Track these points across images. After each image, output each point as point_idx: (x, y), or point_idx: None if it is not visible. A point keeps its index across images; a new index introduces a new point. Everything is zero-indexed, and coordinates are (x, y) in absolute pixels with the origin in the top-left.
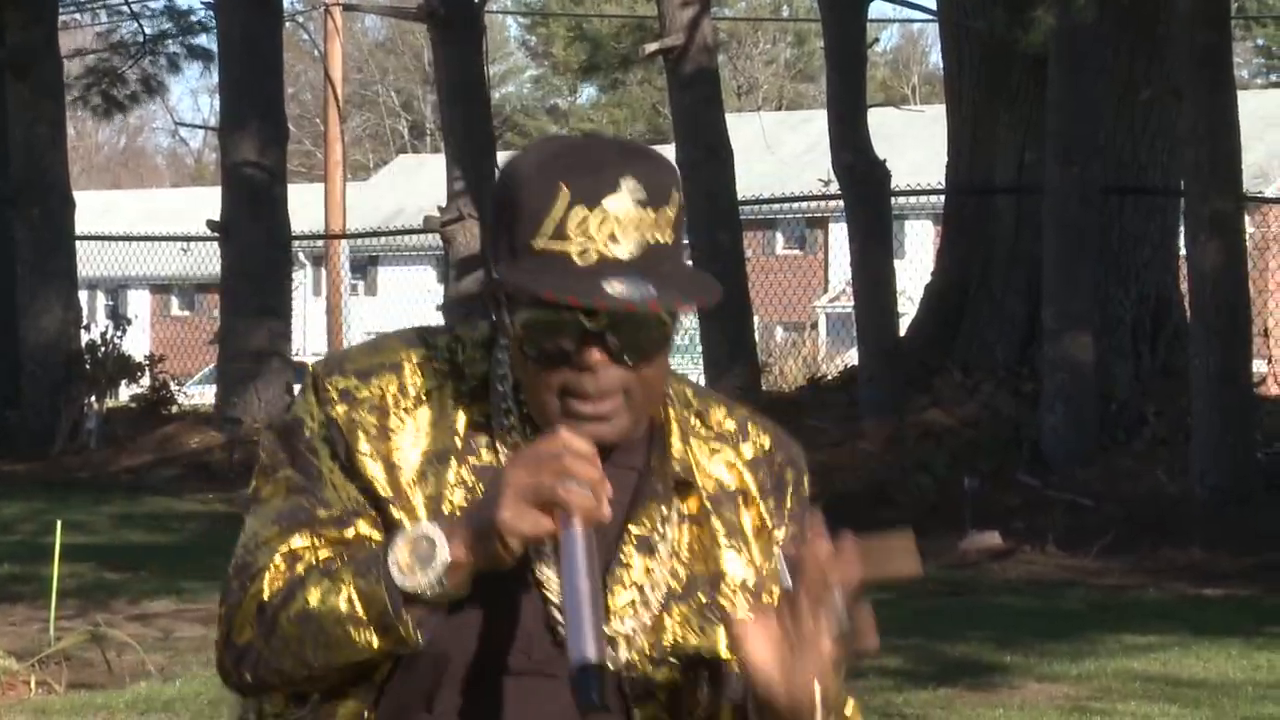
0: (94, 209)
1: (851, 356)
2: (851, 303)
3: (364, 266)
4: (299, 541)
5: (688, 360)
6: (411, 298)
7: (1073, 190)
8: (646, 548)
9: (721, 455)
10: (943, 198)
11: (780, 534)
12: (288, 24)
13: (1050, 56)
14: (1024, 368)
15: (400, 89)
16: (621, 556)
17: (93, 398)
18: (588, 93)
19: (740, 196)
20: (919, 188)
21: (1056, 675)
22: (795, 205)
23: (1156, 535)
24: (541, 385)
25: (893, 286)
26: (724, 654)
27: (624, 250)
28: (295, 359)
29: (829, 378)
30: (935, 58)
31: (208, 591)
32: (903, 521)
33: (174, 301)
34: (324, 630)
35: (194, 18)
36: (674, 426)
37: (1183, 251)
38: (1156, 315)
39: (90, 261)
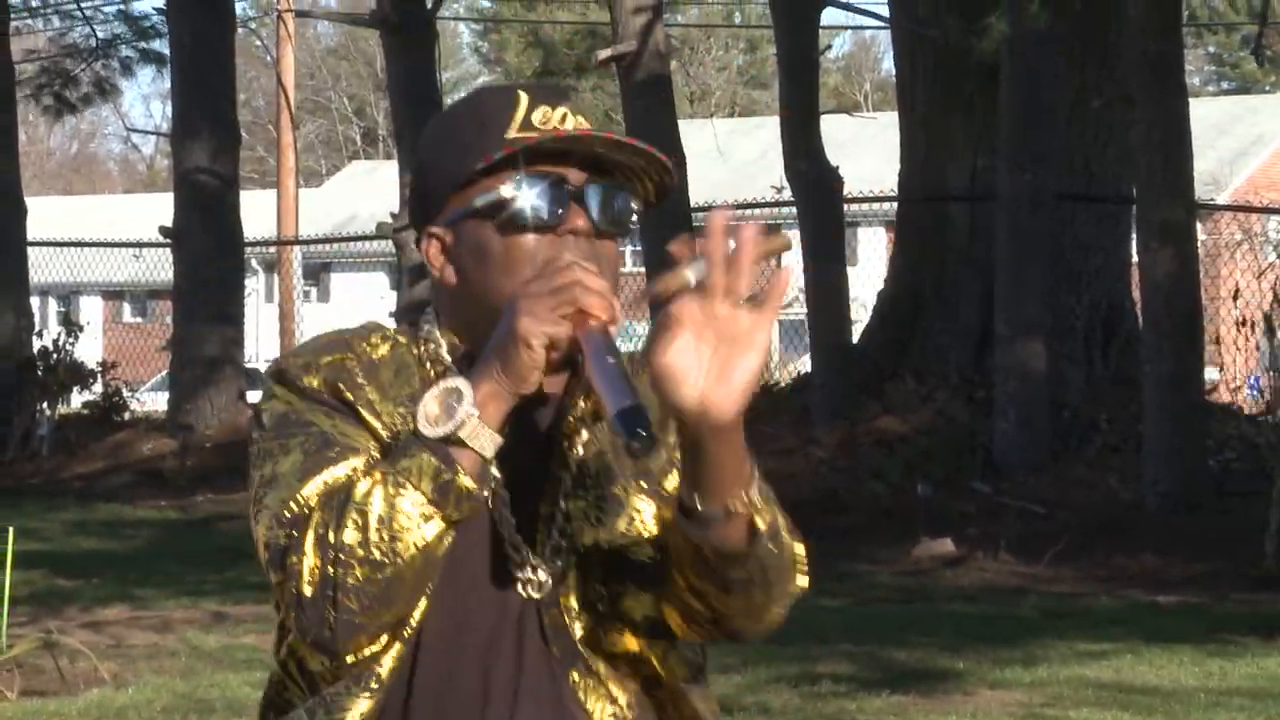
0: (46, 215)
1: (804, 364)
2: (804, 310)
3: (317, 273)
4: (336, 473)
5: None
6: (364, 304)
7: (1025, 197)
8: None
9: (640, 373)
10: (895, 205)
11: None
12: (240, 30)
13: (1003, 64)
14: (977, 375)
15: (353, 95)
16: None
17: (45, 404)
18: None
19: (693, 203)
20: (872, 195)
21: (1009, 682)
22: (748, 212)
23: (1109, 542)
24: (515, 261)
25: (845, 293)
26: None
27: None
28: (248, 366)
29: (782, 385)
30: (888, 64)
31: (160, 598)
32: (856, 528)
33: (126, 308)
34: (384, 523)
35: (146, 22)
36: None
37: (1135, 259)
38: (1109, 322)
39: (42, 268)
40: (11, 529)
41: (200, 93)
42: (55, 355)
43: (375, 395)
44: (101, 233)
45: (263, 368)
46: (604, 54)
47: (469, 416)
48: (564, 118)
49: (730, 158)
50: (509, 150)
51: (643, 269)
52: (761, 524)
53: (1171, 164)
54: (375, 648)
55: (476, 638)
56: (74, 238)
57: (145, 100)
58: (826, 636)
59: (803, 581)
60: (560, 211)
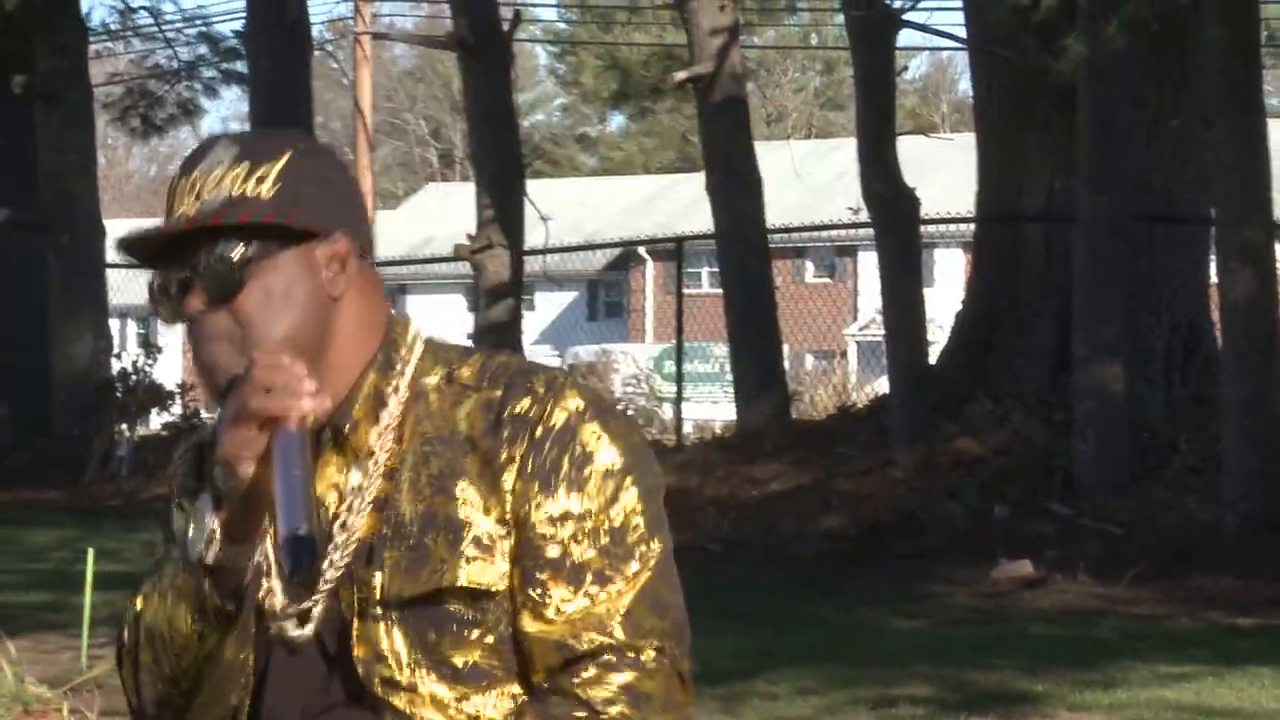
0: None
1: (882, 385)
2: (881, 331)
3: (393, 295)
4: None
5: (718, 388)
6: (441, 326)
7: (1103, 218)
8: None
9: (463, 405)
10: (973, 226)
11: (508, 475)
12: (317, 52)
13: (1080, 84)
14: (1054, 396)
15: (429, 117)
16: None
17: (124, 426)
18: (617, 121)
19: (770, 225)
20: (948, 216)
21: (1089, 705)
22: (825, 233)
23: (1188, 564)
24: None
25: (922, 315)
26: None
27: (206, 202)
28: None
29: (859, 406)
30: (964, 86)
31: None
32: (934, 550)
33: None
34: (166, 642)
35: (226, 44)
36: (367, 387)
37: (1214, 280)
38: (1188, 344)
39: (121, 290)
40: (91, 550)
41: (278, 115)
42: (134, 377)
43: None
44: None
45: None
46: (680, 76)
47: (211, 538)
48: (191, 185)
49: (807, 179)
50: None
51: (719, 290)
52: None
53: (1250, 185)
54: None
55: (283, 703)
56: None
57: (224, 123)
58: (904, 658)
59: None
60: (163, 307)
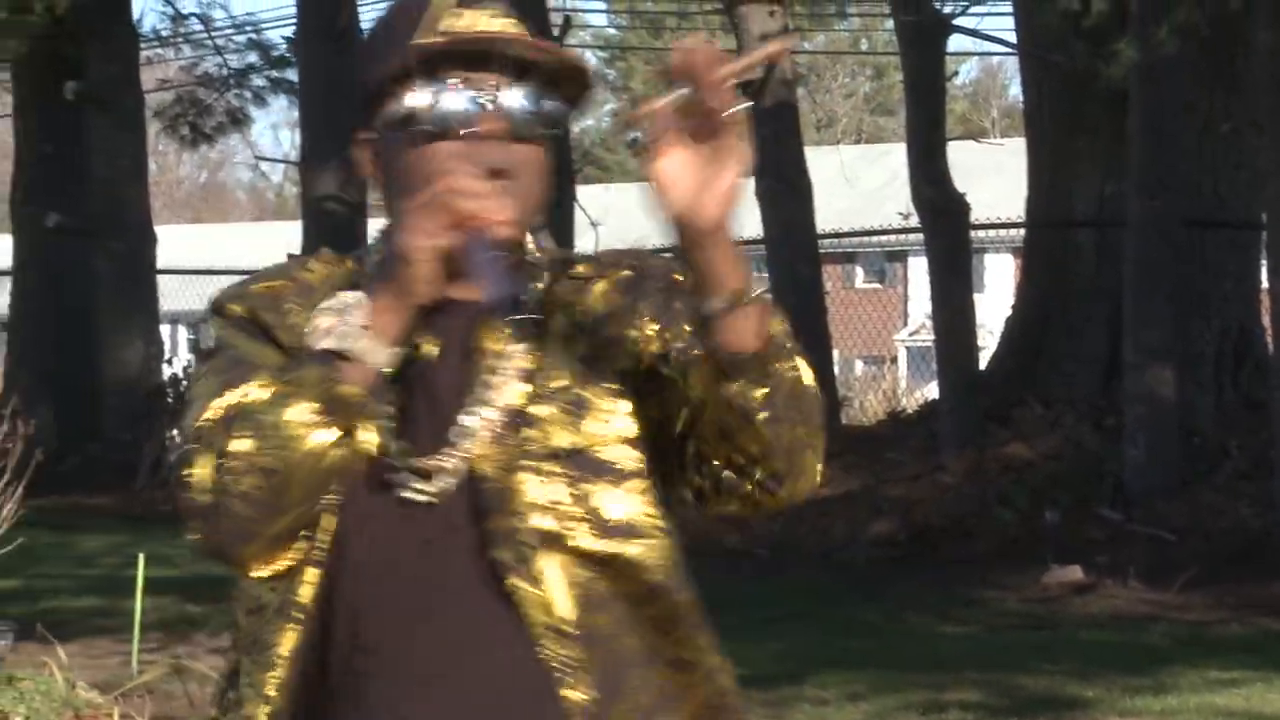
0: (176, 243)
1: (931, 390)
2: (931, 336)
3: None
4: (240, 389)
5: None
6: None
7: (1154, 223)
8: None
9: (593, 290)
10: (1023, 231)
11: (649, 324)
12: None
13: (1131, 89)
14: (1105, 401)
15: None
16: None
17: (175, 431)
18: None
19: (819, 230)
20: (999, 221)
21: (1139, 710)
22: (875, 239)
23: (1240, 569)
24: (427, 166)
25: (972, 320)
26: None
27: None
28: None
29: (909, 411)
30: (1015, 91)
31: None
32: (984, 555)
33: None
34: (273, 431)
35: (276, 52)
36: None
37: (1265, 284)
38: (1239, 348)
39: (172, 295)
40: (142, 555)
41: (329, 122)
42: (185, 383)
43: (300, 318)
44: (231, 260)
45: None
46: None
47: (356, 329)
48: (479, 19)
49: (857, 184)
50: (415, 55)
51: (768, 295)
52: (773, 321)
53: None
54: (279, 566)
55: (407, 559)
56: (203, 265)
57: (274, 129)
58: (954, 664)
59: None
60: (466, 115)
